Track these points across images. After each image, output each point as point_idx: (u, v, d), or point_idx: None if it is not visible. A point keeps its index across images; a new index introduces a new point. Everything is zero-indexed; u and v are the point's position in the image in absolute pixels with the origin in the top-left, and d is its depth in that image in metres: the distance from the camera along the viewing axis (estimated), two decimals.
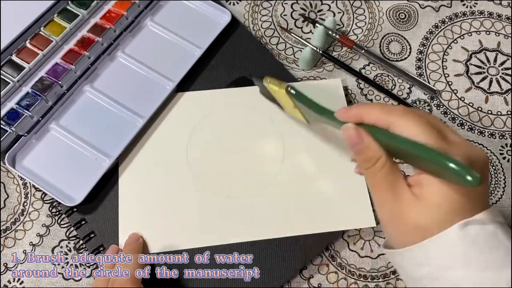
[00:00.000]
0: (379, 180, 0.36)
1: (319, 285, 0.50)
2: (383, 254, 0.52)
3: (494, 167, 0.56)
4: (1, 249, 0.51)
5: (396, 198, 0.35)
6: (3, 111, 0.53)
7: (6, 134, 0.52)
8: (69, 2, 0.59)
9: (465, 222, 0.32)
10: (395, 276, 0.51)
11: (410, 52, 0.63)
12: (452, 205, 0.33)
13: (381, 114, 0.36)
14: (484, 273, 0.32)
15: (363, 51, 0.61)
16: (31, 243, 0.52)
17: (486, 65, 0.62)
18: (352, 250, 0.52)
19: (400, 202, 0.35)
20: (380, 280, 0.51)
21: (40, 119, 0.54)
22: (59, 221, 0.53)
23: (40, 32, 0.57)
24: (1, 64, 0.55)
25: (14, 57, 0.55)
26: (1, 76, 0.54)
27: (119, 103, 0.56)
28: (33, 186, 0.53)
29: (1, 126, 0.52)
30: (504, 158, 0.57)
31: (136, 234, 0.50)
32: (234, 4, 0.66)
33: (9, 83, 0.54)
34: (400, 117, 0.35)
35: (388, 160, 0.35)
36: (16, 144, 0.52)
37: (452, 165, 0.30)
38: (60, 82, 0.55)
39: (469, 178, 0.29)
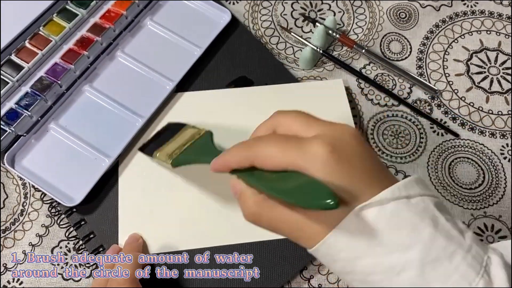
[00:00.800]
0: (265, 221, 0.35)
1: (319, 285, 0.50)
2: None
3: (494, 167, 0.56)
4: (1, 249, 0.51)
5: (291, 220, 0.33)
6: (3, 111, 0.53)
7: (5, 134, 0.51)
8: (69, 1, 0.59)
9: (360, 207, 0.30)
10: None
11: (410, 52, 0.63)
12: (340, 190, 0.31)
13: (241, 153, 0.35)
14: (392, 256, 0.30)
15: (363, 50, 0.61)
16: (30, 244, 0.51)
17: (486, 65, 0.62)
18: None
19: (296, 218, 0.33)
20: None
21: (39, 119, 0.54)
22: (58, 222, 0.52)
23: (40, 32, 0.57)
24: (1, 63, 0.55)
25: (13, 57, 0.55)
26: (1, 76, 0.54)
27: (118, 103, 0.56)
28: (33, 186, 0.53)
29: (1, 126, 0.52)
30: (505, 158, 0.56)
31: (136, 234, 0.50)
32: (234, 3, 0.66)
33: (8, 83, 0.54)
34: (257, 147, 0.34)
35: (264, 198, 0.34)
36: (15, 144, 0.52)
37: (313, 203, 0.29)
38: (59, 82, 0.54)
39: (329, 202, 0.28)
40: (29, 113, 0.53)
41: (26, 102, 0.53)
